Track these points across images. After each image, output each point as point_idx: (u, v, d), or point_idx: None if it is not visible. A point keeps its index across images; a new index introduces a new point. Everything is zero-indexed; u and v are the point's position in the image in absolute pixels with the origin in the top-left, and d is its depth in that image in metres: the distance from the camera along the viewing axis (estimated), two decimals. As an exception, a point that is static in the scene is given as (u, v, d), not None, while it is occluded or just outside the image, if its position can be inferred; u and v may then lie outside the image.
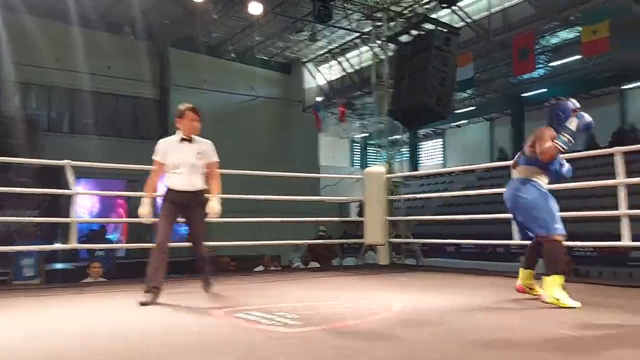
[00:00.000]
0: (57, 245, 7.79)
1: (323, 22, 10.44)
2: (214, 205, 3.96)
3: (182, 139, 3.96)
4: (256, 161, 10.67)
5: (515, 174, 3.81)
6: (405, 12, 9.89)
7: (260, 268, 7.83)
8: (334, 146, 21.66)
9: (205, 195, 4.05)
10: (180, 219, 4.02)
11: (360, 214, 7.54)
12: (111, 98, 15.75)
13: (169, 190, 3.96)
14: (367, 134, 22.17)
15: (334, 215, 11.58)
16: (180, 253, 5.57)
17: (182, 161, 3.91)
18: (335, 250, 11.78)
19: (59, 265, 10.72)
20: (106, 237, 13.70)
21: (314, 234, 11.72)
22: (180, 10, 12.62)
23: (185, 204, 3.92)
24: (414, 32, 9.32)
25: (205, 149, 4.01)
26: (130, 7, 12.25)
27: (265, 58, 17.86)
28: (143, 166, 5.16)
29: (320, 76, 18.60)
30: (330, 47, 16.74)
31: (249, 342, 2.59)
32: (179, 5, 12.15)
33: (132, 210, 11.80)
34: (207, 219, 3.99)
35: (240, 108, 16.86)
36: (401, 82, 9.07)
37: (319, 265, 8.16)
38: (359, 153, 24.26)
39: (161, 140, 4.04)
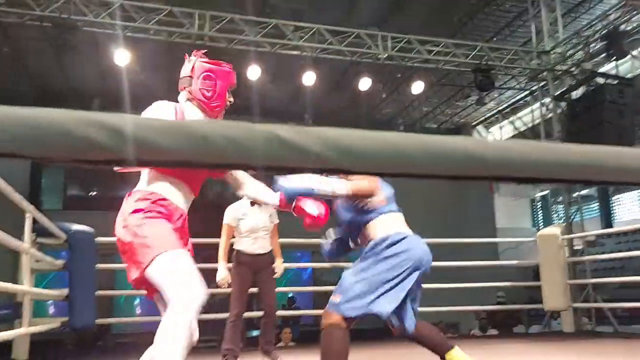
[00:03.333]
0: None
1: (485, 90, 10.65)
2: (281, 265, 4.12)
3: (253, 203, 3.95)
4: (427, 228, 10.92)
5: None
6: (572, 69, 9.64)
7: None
8: (512, 207, 20.81)
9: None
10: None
11: (537, 278, 7.33)
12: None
13: (241, 254, 4.03)
14: (547, 192, 20.97)
15: (514, 280, 11.16)
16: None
17: (257, 225, 4.00)
18: (519, 316, 11.26)
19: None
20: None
21: (494, 300, 11.37)
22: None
23: (258, 266, 4.01)
24: (583, 87, 9.06)
25: (273, 212, 4.09)
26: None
27: (434, 126, 18.31)
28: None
29: (491, 137, 18.43)
30: (500, 107, 16.61)
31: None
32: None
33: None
34: None
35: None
36: (574, 139, 8.80)
37: (497, 332, 8.02)
38: (540, 212, 22.84)
39: (231, 206, 4.06)
